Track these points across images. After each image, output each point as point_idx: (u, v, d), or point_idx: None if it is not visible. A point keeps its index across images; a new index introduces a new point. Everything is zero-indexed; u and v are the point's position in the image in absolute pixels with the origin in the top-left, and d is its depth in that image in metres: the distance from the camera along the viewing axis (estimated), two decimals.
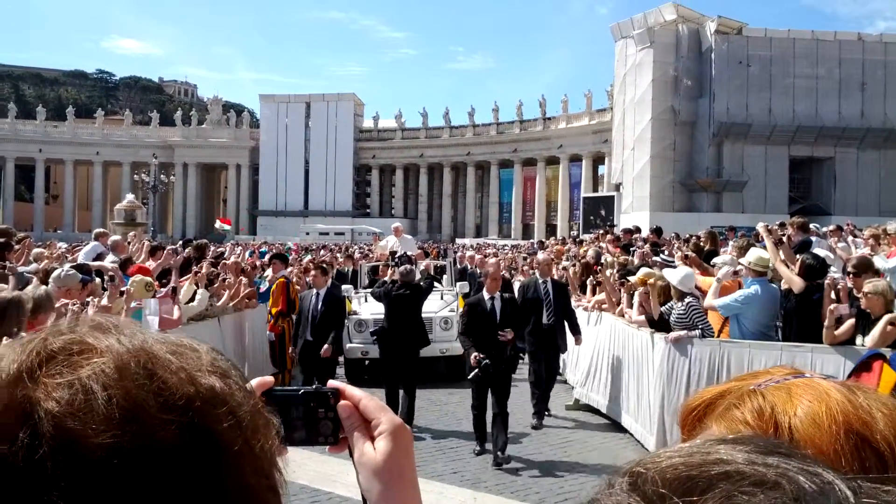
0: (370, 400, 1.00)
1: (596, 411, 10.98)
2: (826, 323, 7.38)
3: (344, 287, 12.88)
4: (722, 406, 0.84)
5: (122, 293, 7.73)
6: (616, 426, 10.22)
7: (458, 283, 15.24)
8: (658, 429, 8.50)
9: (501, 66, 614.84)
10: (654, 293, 9.17)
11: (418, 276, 11.82)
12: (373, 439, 0.97)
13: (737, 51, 52.47)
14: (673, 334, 8.53)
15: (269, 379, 0.93)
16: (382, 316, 11.23)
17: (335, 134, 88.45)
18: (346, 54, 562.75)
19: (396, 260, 14.96)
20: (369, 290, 14.51)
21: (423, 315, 11.87)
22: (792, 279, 8.07)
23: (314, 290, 11.06)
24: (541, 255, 14.02)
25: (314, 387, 0.99)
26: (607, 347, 10.83)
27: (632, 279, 10.13)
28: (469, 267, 19.31)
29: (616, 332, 10.59)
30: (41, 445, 0.60)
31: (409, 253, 16.24)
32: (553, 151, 74.25)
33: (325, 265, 12.75)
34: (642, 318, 9.51)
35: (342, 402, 0.99)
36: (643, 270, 10.12)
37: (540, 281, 11.21)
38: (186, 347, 0.73)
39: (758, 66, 52.11)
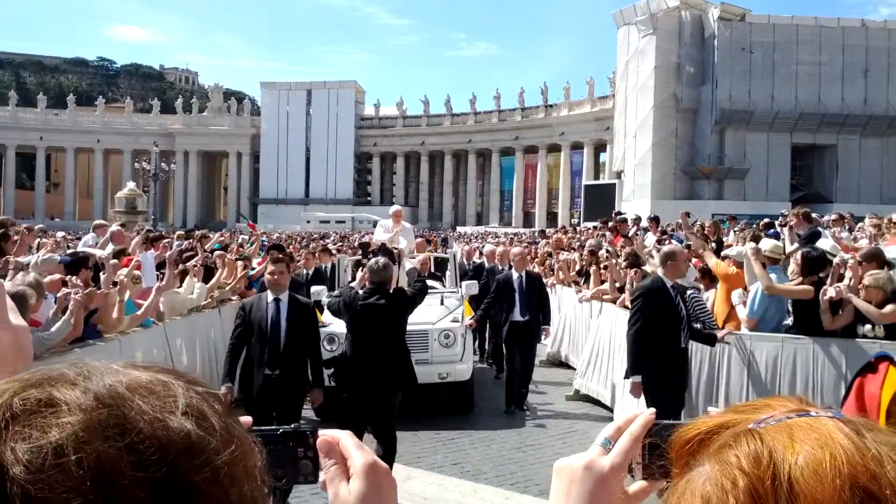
0: (349, 437, 0.97)
1: (596, 402, 10.94)
2: (822, 307, 7.30)
3: (314, 289, 10.10)
4: (717, 442, 0.76)
5: (114, 283, 7.67)
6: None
7: (463, 283, 11.90)
8: None
9: (503, 53, 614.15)
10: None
11: (402, 278, 9.06)
12: (349, 479, 0.95)
13: (740, 37, 52.28)
14: None
15: (248, 419, 0.88)
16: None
17: (336, 121, 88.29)
18: (347, 42, 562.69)
19: (369, 253, 11.34)
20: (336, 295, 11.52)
21: (417, 327, 9.34)
22: (801, 291, 7.81)
23: (268, 297, 7.16)
24: (672, 247, 8.85)
25: (293, 426, 0.97)
26: (608, 337, 10.79)
27: (647, 269, 10.06)
28: (487, 264, 14.59)
29: (617, 322, 10.54)
30: None
31: (400, 245, 12.85)
32: (555, 139, 74.11)
33: (282, 254, 9.67)
34: None
35: (322, 438, 0.97)
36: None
37: (668, 284, 7.52)
38: (159, 387, 0.70)
39: (760, 52, 51.94)
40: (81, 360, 0.71)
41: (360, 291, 7.60)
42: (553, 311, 12.44)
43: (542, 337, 11.31)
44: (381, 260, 7.61)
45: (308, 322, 7.22)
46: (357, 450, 0.97)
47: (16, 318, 1.20)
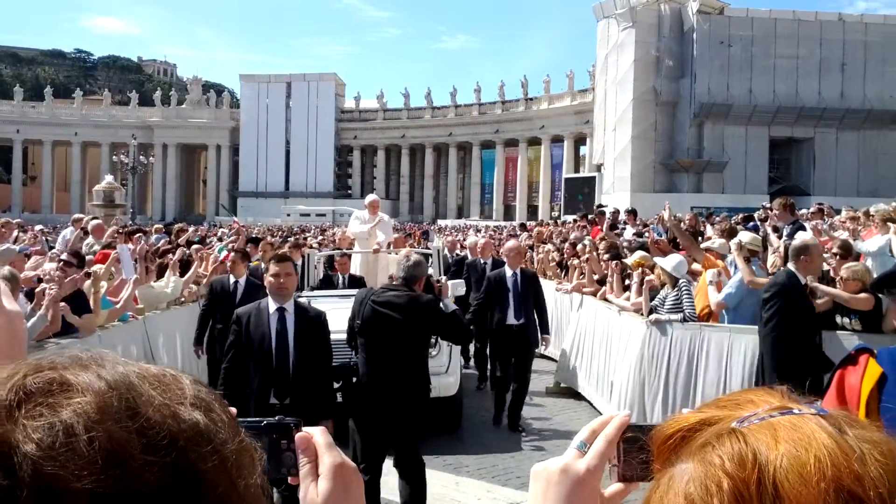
0: (322, 435, 0.98)
1: (577, 394, 10.99)
2: None
3: None
4: (699, 440, 0.76)
5: (88, 275, 7.63)
6: (597, 409, 10.23)
7: (449, 283, 10.06)
8: (637, 414, 8.50)
9: (484, 46, 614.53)
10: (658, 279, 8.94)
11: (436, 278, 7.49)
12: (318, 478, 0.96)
13: (718, 31, 52.47)
14: (653, 316, 8.50)
15: (231, 410, 0.86)
16: (343, 337, 6.52)
17: (316, 114, 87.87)
18: (328, 34, 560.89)
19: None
20: (319, 291, 10.70)
21: None
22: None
23: (270, 306, 5.78)
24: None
25: (277, 418, 0.97)
26: (588, 330, 10.83)
27: (627, 261, 10.07)
28: (471, 257, 13.14)
29: (597, 314, 10.59)
30: (21, 489, 0.58)
31: (378, 238, 12.16)
32: (535, 132, 74.18)
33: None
34: (640, 299, 9.05)
35: (300, 434, 0.97)
36: (638, 254, 10.04)
37: (803, 281, 6.56)
38: (169, 378, 0.71)
39: (739, 46, 52.18)
40: (93, 349, 0.72)
41: (371, 292, 6.25)
42: None
43: (542, 346, 9.97)
44: (414, 256, 6.35)
45: (320, 337, 5.87)
46: (327, 449, 0.97)
47: (10, 303, 1.18)
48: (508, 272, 9.52)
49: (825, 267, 7.94)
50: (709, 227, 14.74)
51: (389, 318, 5.90)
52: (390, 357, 5.94)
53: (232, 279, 9.07)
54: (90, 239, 11.39)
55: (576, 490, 0.98)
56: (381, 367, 5.94)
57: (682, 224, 12.70)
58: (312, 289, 11.02)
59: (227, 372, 5.73)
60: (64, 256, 7.46)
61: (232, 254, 9.56)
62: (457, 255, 15.03)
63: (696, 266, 9.27)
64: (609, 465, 1.01)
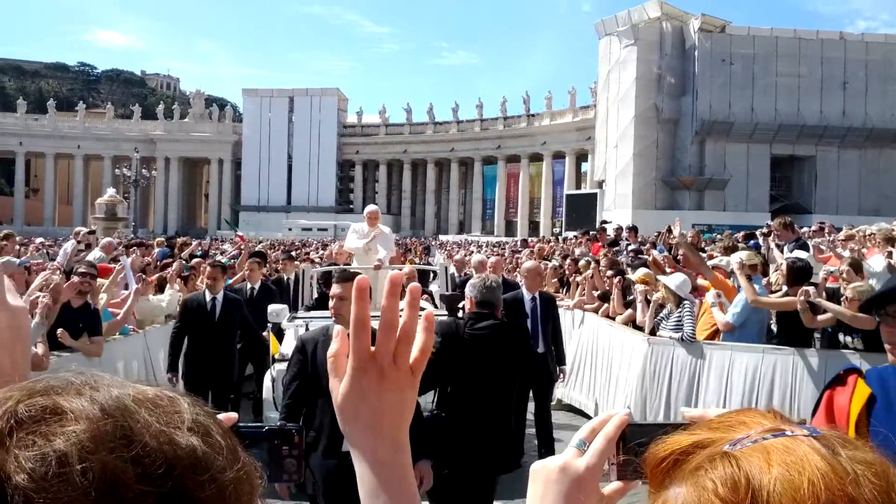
0: (360, 329, 0.96)
1: (579, 411, 10.97)
2: (799, 307, 7.32)
3: (273, 308, 7.94)
4: (692, 463, 0.76)
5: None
6: None
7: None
8: None
9: (486, 62, 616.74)
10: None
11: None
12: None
13: (720, 49, 52.68)
14: (656, 339, 8.50)
15: (233, 415, 0.87)
16: None
17: (318, 129, 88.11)
18: (329, 49, 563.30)
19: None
20: (315, 312, 9.24)
21: None
22: (785, 303, 7.79)
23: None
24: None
25: (279, 424, 0.97)
26: (590, 347, 10.82)
27: (632, 276, 10.07)
28: (475, 275, 10.94)
29: (599, 331, 10.59)
30: None
31: (379, 254, 10.86)
32: (536, 148, 74.29)
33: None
34: (645, 317, 9.02)
35: (339, 327, 0.99)
36: (642, 270, 10.03)
37: None
38: (166, 401, 0.69)
39: (740, 64, 52.36)
40: (87, 371, 0.71)
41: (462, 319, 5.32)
42: None
43: (559, 378, 8.84)
44: (493, 278, 5.58)
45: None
46: (357, 345, 0.96)
47: (14, 300, 1.14)
48: (527, 296, 8.53)
49: (834, 284, 7.94)
50: (709, 247, 14.76)
51: (490, 348, 4.99)
52: (490, 390, 5.05)
53: (209, 296, 8.40)
54: (97, 252, 11.41)
55: (575, 488, 0.97)
56: (480, 401, 5.02)
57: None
58: (308, 308, 10.02)
59: (289, 408, 4.83)
60: (82, 268, 7.48)
61: (209, 268, 8.83)
62: (465, 273, 13.86)
63: (703, 282, 9.26)
64: (608, 463, 1.00)
